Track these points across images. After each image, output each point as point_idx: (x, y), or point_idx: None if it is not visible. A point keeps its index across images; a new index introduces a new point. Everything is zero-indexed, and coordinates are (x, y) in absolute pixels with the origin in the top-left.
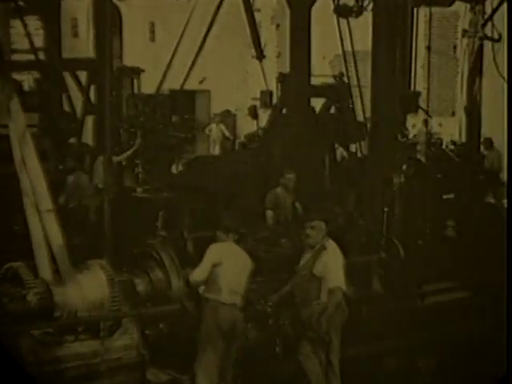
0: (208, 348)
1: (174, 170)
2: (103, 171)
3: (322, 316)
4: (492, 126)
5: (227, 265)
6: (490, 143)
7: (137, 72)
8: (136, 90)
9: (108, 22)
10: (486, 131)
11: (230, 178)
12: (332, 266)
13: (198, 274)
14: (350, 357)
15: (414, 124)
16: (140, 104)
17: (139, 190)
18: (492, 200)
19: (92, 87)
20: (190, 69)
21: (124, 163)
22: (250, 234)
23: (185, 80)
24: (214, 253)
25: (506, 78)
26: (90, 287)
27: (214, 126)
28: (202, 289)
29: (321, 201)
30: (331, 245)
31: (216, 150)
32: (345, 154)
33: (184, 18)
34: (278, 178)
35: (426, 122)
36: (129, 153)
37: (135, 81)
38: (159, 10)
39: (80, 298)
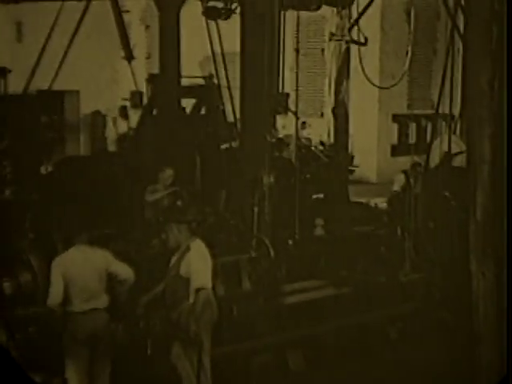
0: (72, 356)
1: (43, 170)
2: None
3: (191, 316)
4: (358, 126)
5: (76, 272)
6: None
7: (3, 72)
8: (3, 91)
9: None
10: (353, 132)
11: (100, 178)
12: (197, 266)
13: (54, 297)
14: (221, 356)
15: (283, 125)
16: (7, 105)
17: (7, 191)
18: (362, 199)
19: None
20: (58, 69)
21: None
22: (120, 234)
23: (53, 80)
24: (58, 268)
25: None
26: None
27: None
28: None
29: (192, 201)
30: (197, 245)
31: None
32: None
33: (52, 18)
34: (149, 178)
35: (295, 123)
36: None
37: (2, 81)
38: (26, 10)
39: None
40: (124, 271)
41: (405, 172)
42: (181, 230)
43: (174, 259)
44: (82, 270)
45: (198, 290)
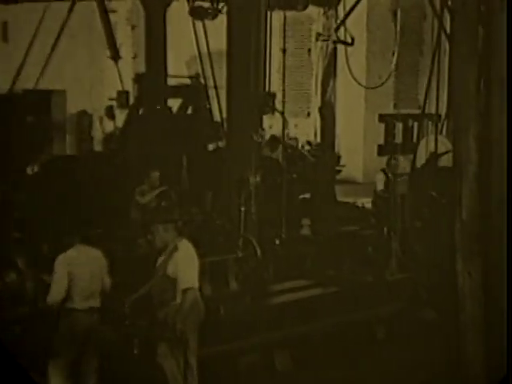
0: (61, 354)
1: (29, 171)
2: None
3: (177, 316)
4: (345, 126)
5: (79, 271)
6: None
7: None
8: None
9: None
10: (339, 131)
11: (86, 178)
12: (184, 266)
13: (56, 294)
14: (208, 356)
15: (270, 125)
16: None
17: None
18: (349, 199)
19: None
20: (44, 68)
21: None
22: (107, 233)
23: (39, 80)
24: (63, 265)
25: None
26: None
27: None
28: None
29: (178, 201)
30: (184, 245)
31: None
32: None
33: (38, 17)
34: (136, 177)
35: (282, 123)
36: None
37: None
38: (12, 10)
39: None
40: (109, 285)
41: (383, 170)
42: (167, 229)
43: (160, 259)
44: (86, 268)
45: (185, 291)
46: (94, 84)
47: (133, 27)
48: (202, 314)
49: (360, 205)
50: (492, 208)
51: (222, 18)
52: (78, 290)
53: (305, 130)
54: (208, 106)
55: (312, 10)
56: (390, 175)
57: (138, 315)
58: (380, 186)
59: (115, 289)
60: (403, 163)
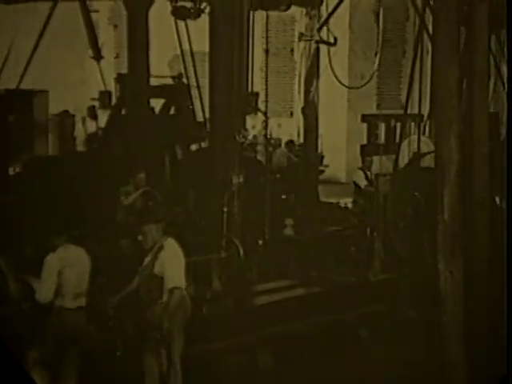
0: (47, 353)
1: (10, 171)
2: None
3: (164, 315)
4: (328, 126)
5: (68, 270)
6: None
7: None
8: None
9: None
10: (322, 131)
11: (68, 178)
12: (170, 265)
13: (46, 293)
14: (190, 356)
15: (253, 125)
16: None
17: None
18: (332, 199)
19: None
20: (26, 68)
21: None
22: (91, 234)
23: (21, 80)
24: (53, 265)
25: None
26: None
27: None
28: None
29: (162, 200)
30: (170, 244)
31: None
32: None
33: (18, 18)
34: (119, 178)
35: (265, 123)
36: None
37: None
38: None
39: None
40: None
41: (361, 168)
42: (158, 229)
43: (147, 259)
44: (74, 267)
45: (172, 290)
46: (76, 84)
47: (115, 27)
48: (189, 313)
49: (343, 205)
50: (474, 208)
51: (205, 18)
52: (70, 288)
53: (288, 130)
54: (191, 106)
55: (295, 10)
56: (367, 173)
57: (124, 315)
58: (364, 182)
59: (99, 289)
60: (384, 162)
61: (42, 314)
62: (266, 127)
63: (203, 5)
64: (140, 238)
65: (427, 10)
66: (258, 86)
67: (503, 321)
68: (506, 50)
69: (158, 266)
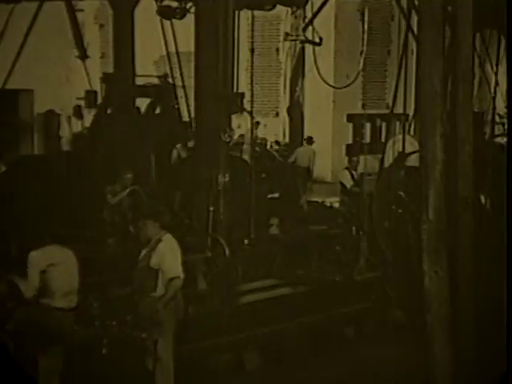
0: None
1: None
2: None
3: (158, 303)
4: (314, 126)
5: (54, 268)
6: (310, 140)
7: None
8: None
9: None
10: (307, 131)
11: (54, 177)
12: (169, 257)
13: (29, 289)
14: (176, 356)
15: (239, 125)
16: None
17: None
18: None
19: None
20: (12, 68)
21: None
22: (77, 233)
23: (6, 79)
24: (36, 261)
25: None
26: None
27: None
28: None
29: (148, 200)
30: (168, 237)
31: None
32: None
33: (5, 17)
34: (104, 177)
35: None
36: None
37: None
38: None
39: None
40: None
41: (347, 168)
42: (154, 225)
43: (143, 252)
44: (62, 266)
45: (172, 279)
46: (62, 84)
47: (101, 26)
48: (181, 311)
49: (328, 204)
50: (458, 207)
51: (191, 18)
52: (59, 286)
53: (273, 129)
54: (176, 105)
55: (280, 9)
56: (353, 172)
57: (108, 315)
58: (350, 182)
59: (85, 289)
60: (370, 162)
61: (32, 313)
62: (251, 127)
63: (189, 4)
64: (134, 231)
65: (412, 10)
66: (243, 85)
67: (489, 319)
68: (491, 49)
69: (155, 259)
